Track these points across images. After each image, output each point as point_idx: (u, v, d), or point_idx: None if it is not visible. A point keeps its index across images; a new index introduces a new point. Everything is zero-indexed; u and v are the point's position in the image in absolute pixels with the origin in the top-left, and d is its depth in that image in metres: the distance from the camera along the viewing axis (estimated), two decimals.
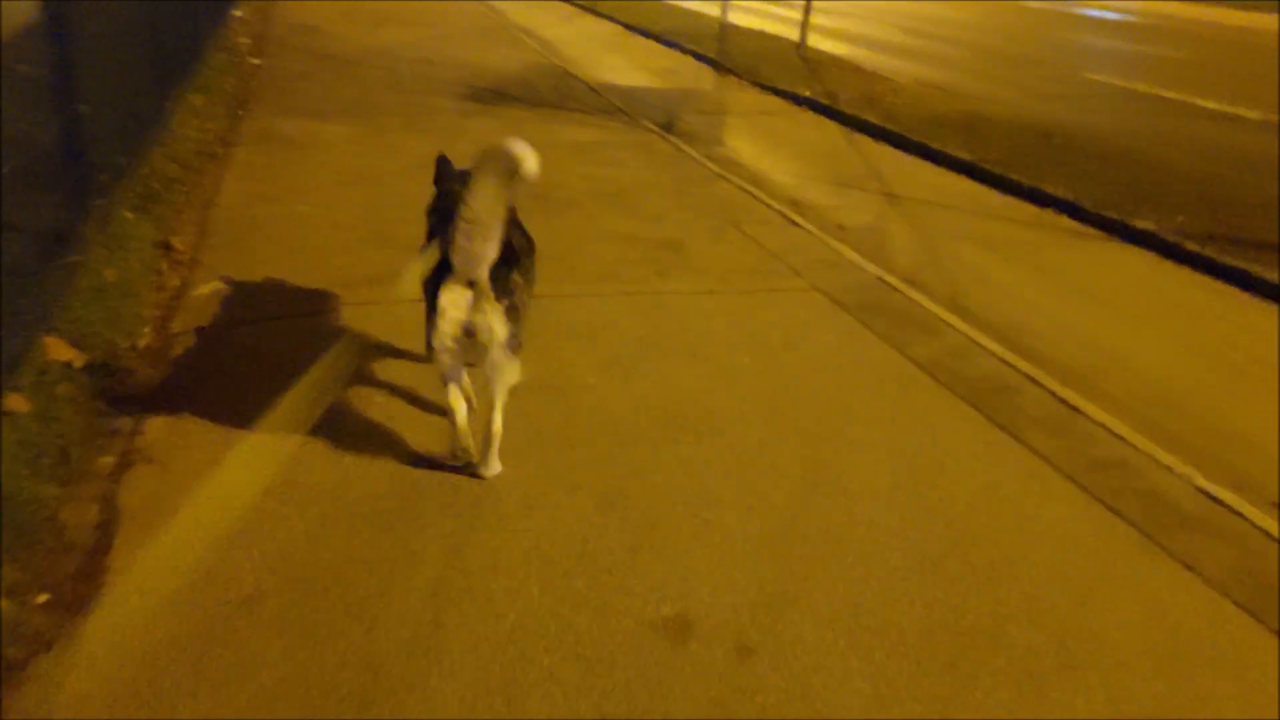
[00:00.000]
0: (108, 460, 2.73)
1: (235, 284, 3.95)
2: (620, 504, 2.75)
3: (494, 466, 2.82)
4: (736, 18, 14.64)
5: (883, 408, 3.43)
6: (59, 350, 3.07)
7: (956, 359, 3.88)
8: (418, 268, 2.66)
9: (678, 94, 9.96)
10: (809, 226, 5.43)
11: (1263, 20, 26.65)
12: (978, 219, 6.26)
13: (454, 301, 2.52)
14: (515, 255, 2.63)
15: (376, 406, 3.13)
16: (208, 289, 3.86)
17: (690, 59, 12.14)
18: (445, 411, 2.80)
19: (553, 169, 6.45)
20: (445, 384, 2.76)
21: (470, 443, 2.83)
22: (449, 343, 2.59)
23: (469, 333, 2.57)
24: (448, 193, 2.97)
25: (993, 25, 19.97)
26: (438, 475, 2.80)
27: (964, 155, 7.53)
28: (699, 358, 3.67)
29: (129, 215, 4.26)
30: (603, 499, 2.77)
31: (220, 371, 3.29)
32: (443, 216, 2.72)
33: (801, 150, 7.92)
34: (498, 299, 2.56)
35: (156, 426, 2.91)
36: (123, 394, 3.04)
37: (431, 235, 2.90)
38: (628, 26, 14.50)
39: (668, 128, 8.11)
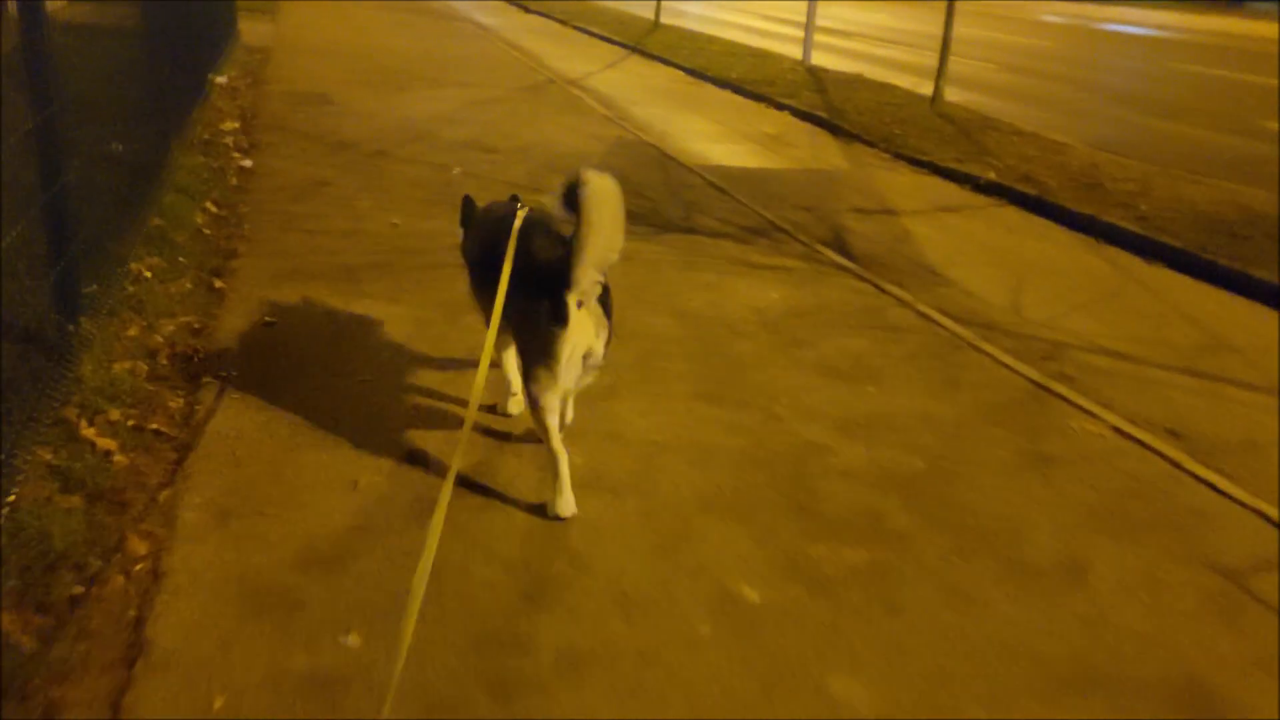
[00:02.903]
0: None
1: None
2: None
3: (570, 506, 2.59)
4: (821, 59, 11.79)
5: None
6: None
7: None
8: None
9: (812, 179, 7.10)
10: None
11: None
12: None
13: (582, 326, 2.41)
14: (606, 289, 2.51)
15: None
16: None
17: (791, 117, 9.28)
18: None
19: (773, 400, 3.30)
20: (549, 417, 2.53)
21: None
22: (573, 364, 2.44)
23: (585, 356, 2.46)
24: (489, 227, 2.78)
25: (1076, 55, 17.16)
26: None
27: None
28: None
29: None
30: None
31: None
32: (486, 251, 2.69)
33: (1069, 289, 5.00)
34: (600, 328, 2.48)
35: None
36: None
37: (481, 275, 2.79)
38: (691, 72, 11.63)
39: (846, 250, 5.26)
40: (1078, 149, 7.96)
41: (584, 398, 3.25)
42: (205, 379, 3.26)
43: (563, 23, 16.51)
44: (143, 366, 3.24)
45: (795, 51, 12.75)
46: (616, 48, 13.75)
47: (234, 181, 5.56)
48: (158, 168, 5.15)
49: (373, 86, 9.11)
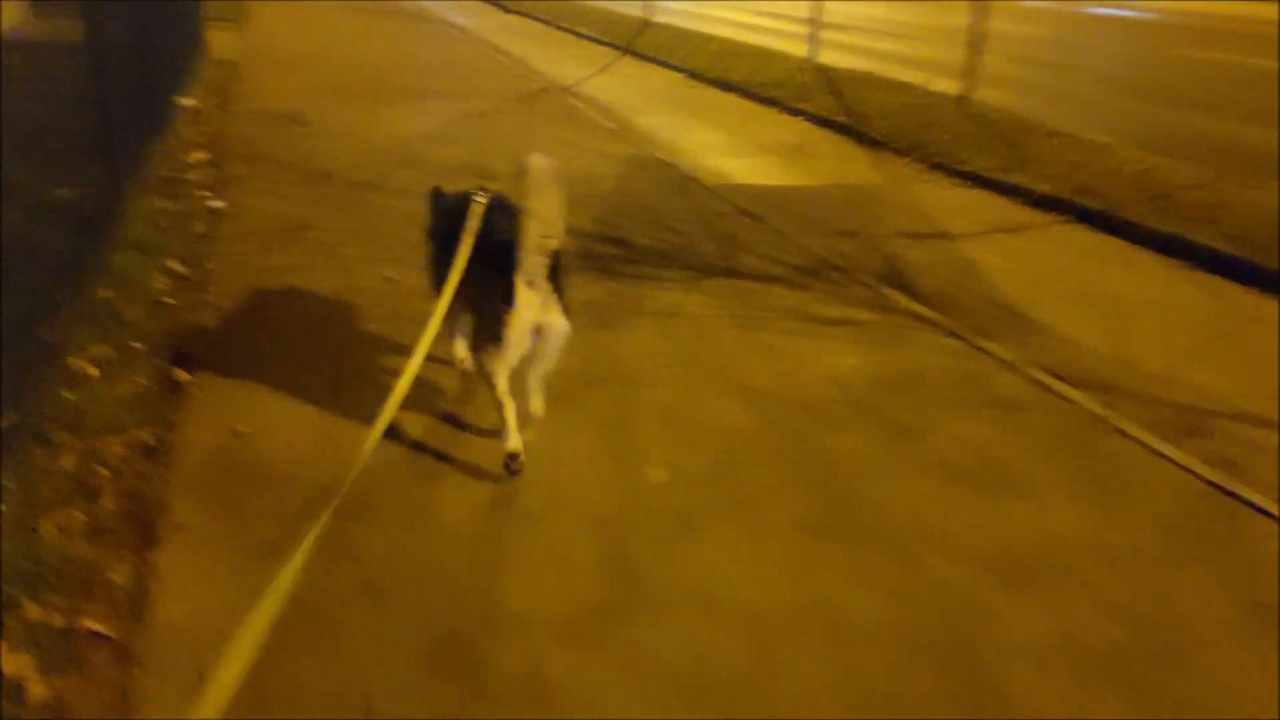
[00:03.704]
0: None
1: None
2: None
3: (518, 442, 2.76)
4: (831, 57, 11.00)
5: None
6: None
7: None
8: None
9: (846, 198, 6.32)
10: None
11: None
12: None
13: (529, 302, 2.57)
14: (561, 268, 2.65)
15: None
16: None
17: (807, 124, 8.48)
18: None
19: (900, 528, 2.54)
20: (498, 379, 2.69)
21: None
22: (522, 339, 2.61)
23: (535, 330, 2.63)
24: (453, 212, 2.87)
25: (1077, 43, 16.46)
26: None
27: None
28: None
29: None
30: None
31: None
32: (448, 233, 2.79)
33: (1177, 330, 4.22)
34: (556, 304, 2.65)
35: None
36: None
37: (441, 256, 2.85)
38: (690, 75, 10.81)
39: (910, 288, 4.51)
40: (1122, 151, 7.22)
41: (659, 538, 2.48)
42: (160, 527, 2.46)
43: (546, 23, 15.62)
44: (79, 517, 2.42)
45: (796, 48, 11.96)
46: (606, 49, 12.89)
47: (200, 229, 4.71)
48: (109, 218, 4.31)
49: (350, 101, 8.23)
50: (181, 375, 3.25)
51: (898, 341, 3.87)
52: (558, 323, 2.64)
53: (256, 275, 4.20)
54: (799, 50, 11.64)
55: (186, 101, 7.08)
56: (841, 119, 8.29)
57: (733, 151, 7.48)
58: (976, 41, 8.29)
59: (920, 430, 3.13)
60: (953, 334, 3.95)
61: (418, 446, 2.92)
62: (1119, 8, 24.37)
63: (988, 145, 7.34)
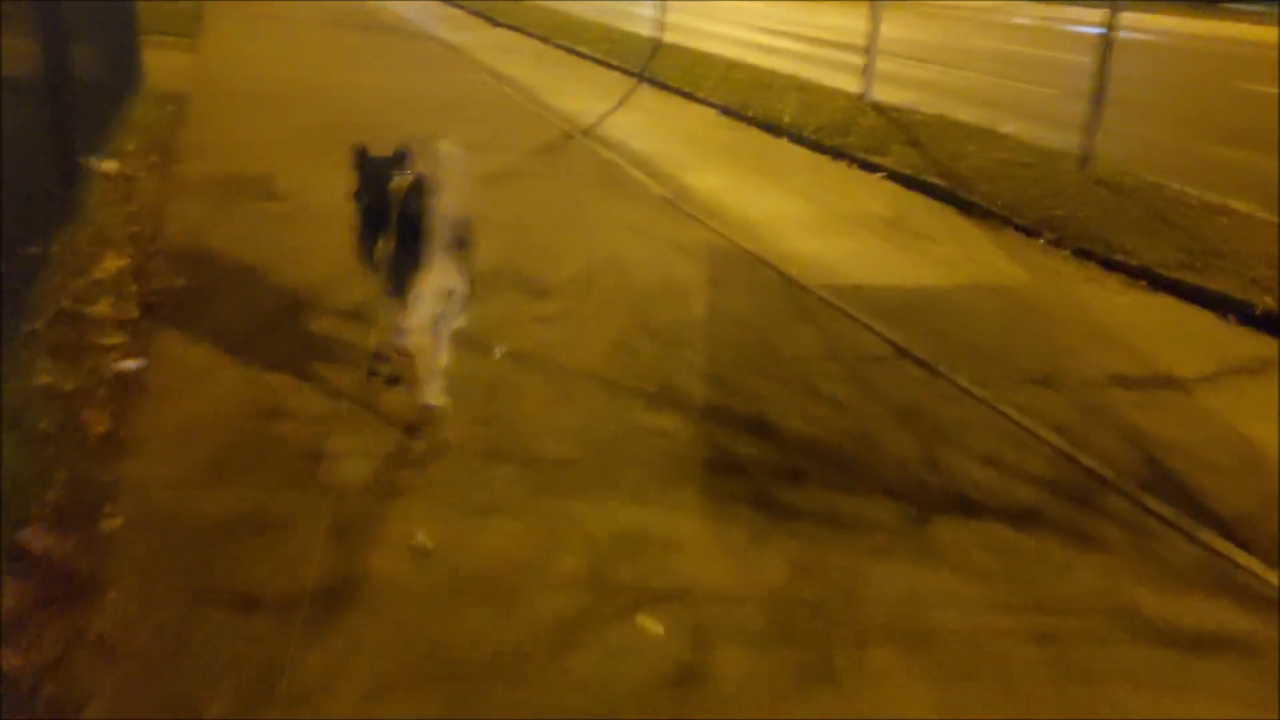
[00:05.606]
0: None
1: None
2: None
3: (439, 396, 3.00)
4: (882, 91, 9.25)
5: None
6: None
7: None
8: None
9: (1002, 310, 4.55)
10: None
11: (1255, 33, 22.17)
12: None
13: (441, 269, 2.81)
14: (466, 240, 2.88)
15: None
16: None
17: (891, 185, 6.69)
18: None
19: None
20: (412, 334, 2.94)
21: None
22: (431, 299, 2.85)
23: (444, 293, 2.88)
24: (377, 181, 3.06)
25: (1121, 73, 14.92)
26: None
27: None
28: None
29: None
30: None
31: None
32: (373, 203, 3.03)
33: None
34: (460, 270, 2.91)
35: None
36: None
37: (368, 224, 3.06)
38: (726, 112, 8.97)
39: (1205, 507, 2.80)
40: None
41: None
42: None
43: (543, 40, 13.64)
44: None
45: (836, 79, 10.23)
46: (619, 74, 10.99)
47: (101, 429, 2.79)
48: None
49: (334, 155, 6.21)
50: None
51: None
52: (460, 285, 2.90)
53: (193, 556, 2.31)
54: (839, 82, 9.92)
55: (106, 165, 5.07)
56: (935, 180, 6.54)
57: (821, 228, 5.69)
58: (1101, 90, 6.58)
59: None
60: None
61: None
62: (1124, 30, 22.95)
63: (1144, 226, 5.65)
